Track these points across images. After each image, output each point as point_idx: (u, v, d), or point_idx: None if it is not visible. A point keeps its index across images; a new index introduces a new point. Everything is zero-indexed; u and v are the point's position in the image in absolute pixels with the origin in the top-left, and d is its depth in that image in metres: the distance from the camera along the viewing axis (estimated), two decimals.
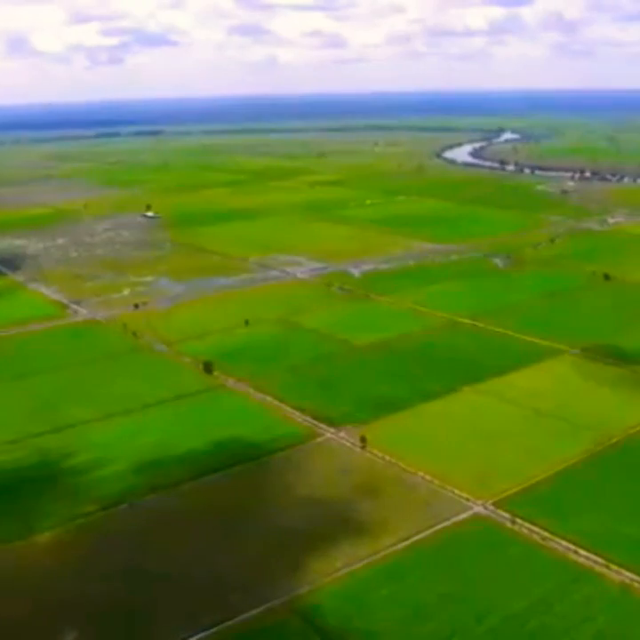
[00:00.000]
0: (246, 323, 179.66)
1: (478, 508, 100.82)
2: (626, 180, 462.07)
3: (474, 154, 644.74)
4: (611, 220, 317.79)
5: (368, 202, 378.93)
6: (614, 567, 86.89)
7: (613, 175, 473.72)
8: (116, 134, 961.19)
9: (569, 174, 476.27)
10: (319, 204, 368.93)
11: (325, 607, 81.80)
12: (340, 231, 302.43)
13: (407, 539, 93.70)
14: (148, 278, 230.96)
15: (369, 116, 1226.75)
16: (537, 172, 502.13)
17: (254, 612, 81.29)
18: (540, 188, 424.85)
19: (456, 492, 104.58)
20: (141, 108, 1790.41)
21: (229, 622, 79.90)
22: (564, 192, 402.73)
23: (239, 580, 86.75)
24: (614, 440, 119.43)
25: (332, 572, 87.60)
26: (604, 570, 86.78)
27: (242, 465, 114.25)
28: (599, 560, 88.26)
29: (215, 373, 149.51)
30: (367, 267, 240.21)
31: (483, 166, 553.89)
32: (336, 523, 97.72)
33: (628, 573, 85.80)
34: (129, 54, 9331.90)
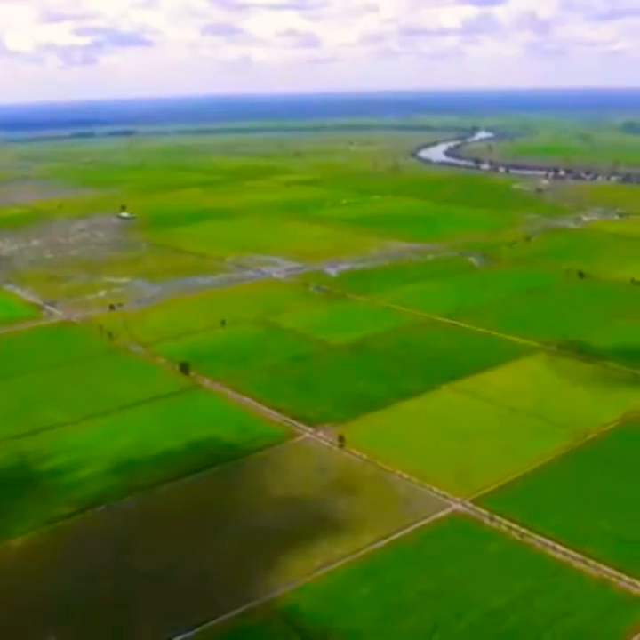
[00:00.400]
0: (223, 323, 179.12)
1: (457, 506, 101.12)
2: (599, 178, 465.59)
3: (449, 153, 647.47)
4: (585, 218, 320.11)
5: (344, 201, 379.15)
6: (592, 562, 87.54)
7: (587, 173, 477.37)
8: (91, 134, 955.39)
9: (543, 173, 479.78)
10: (295, 204, 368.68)
11: (305, 607, 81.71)
12: (315, 231, 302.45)
13: (386, 537, 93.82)
14: (124, 279, 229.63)
15: (344, 115, 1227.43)
16: (512, 170, 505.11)
17: (235, 612, 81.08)
18: (514, 186, 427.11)
19: (434, 489, 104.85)
20: (116, 107, 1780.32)
21: (211, 623, 79.64)
22: (539, 190, 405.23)
23: (219, 580, 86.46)
24: (590, 437, 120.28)
25: (311, 572, 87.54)
26: (582, 565, 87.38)
27: (219, 465, 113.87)
28: (577, 556, 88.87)
29: (192, 374, 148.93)
30: (344, 266, 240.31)
31: (458, 165, 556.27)
32: (314, 522, 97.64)
33: (605, 568, 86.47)
34: (102, 54, 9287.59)
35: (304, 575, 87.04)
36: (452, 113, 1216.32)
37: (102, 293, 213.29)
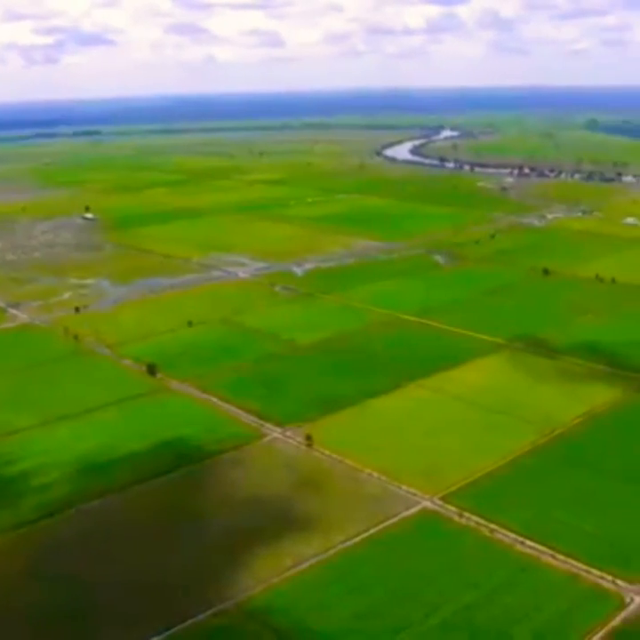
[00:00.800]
0: (190, 324, 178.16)
1: (426, 503, 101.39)
2: (563, 175, 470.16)
3: (414, 151, 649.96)
4: (549, 216, 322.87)
5: (309, 200, 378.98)
6: (561, 557, 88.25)
7: (551, 171, 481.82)
8: (54, 135, 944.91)
9: (508, 171, 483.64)
10: (260, 203, 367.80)
11: (278, 607, 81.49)
12: (281, 230, 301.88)
13: (356, 535, 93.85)
14: (89, 281, 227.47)
15: (309, 114, 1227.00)
16: (476, 168, 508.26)
17: (206, 614, 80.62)
18: (479, 184, 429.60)
19: (404, 487, 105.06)
20: (79, 108, 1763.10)
21: (182, 625, 79.06)
22: (504, 188, 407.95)
23: (189, 583, 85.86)
24: (557, 432, 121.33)
25: (282, 571, 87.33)
26: (551, 560, 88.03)
27: (187, 467, 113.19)
28: (546, 550, 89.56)
29: (159, 375, 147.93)
30: (310, 265, 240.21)
31: (423, 163, 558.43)
32: (284, 522, 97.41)
33: (574, 562, 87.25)
34: (65, 54, 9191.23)
35: (275, 575, 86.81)
36: (417, 112, 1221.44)
37: (67, 295, 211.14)
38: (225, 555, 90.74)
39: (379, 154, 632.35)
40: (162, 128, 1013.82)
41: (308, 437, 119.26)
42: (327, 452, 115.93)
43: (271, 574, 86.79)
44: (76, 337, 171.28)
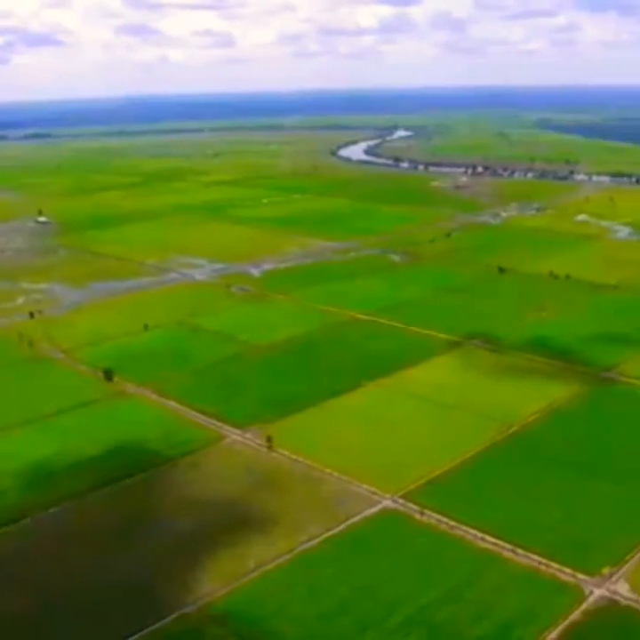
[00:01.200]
0: (146, 327, 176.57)
1: (387, 502, 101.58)
2: (517, 174, 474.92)
3: (369, 151, 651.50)
4: (503, 214, 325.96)
5: (264, 201, 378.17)
6: (521, 551, 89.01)
7: (505, 170, 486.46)
8: (4, 137, 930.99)
9: (462, 170, 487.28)
10: (215, 205, 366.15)
11: (241, 610, 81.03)
12: (237, 231, 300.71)
13: (319, 536, 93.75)
14: (43, 285, 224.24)
15: (263, 115, 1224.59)
16: (431, 168, 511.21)
17: (168, 619, 79.88)
18: (434, 183, 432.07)
19: (365, 486, 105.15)
20: (30, 110, 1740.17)
21: (144, 631, 78.26)
22: (458, 187, 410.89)
23: (151, 588, 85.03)
24: (515, 428, 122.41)
25: (245, 574, 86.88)
26: (511, 554, 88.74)
27: (146, 472, 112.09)
28: (506, 545, 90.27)
29: (116, 380, 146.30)
30: (266, 266, 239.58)
31: (378, 163, 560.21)
32: (246, 524, 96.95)
33: (534, 556, 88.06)
34: (14, 54, 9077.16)
35: (238, 577, 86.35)
36: (371, 112, 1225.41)
37: (21, 300, 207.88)
38: (186, 559, 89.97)
39: (333, 154, 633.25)
40: (115, 130, 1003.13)
41: (269, 439, 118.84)
42: (287, 453, 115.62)
43: (234, 577, 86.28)
44: (30, 343, 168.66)
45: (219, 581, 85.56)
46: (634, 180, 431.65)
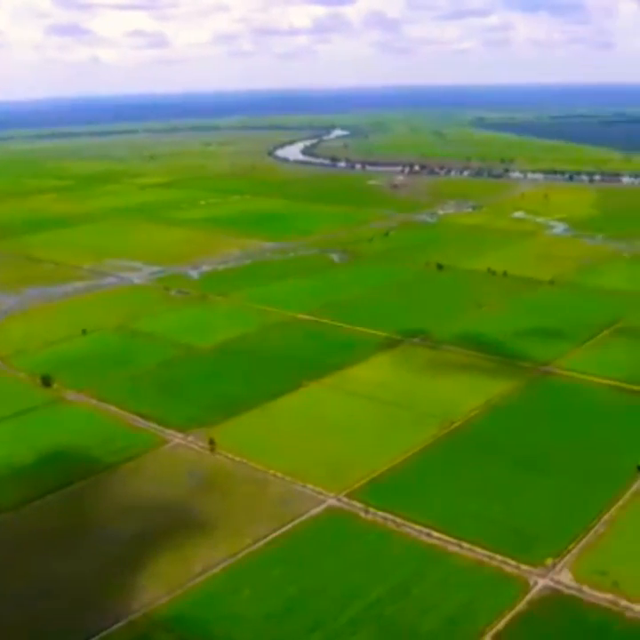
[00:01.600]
0: (84, 332, 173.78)
1: (332, 501, 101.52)
2: (453, 172, 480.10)
3: (306, 151, 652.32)
4: (441, 212, 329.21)
5: (202, 203, 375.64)
6: (467, 545, 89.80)
7: (441, 168, 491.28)
8: None
9: (399, 169, 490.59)
10: (152, 207, 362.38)
11: (188, 615, 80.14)
12: (175, 233, 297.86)
13: (264, 537, 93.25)
14: None
15: (199, 116, 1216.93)
16: (368, 167, 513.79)
17: (114, 627, 78.55)
18: (371, 182, 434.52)
19: (309, 486, 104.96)
20: None
21: None
22: (395, 186, 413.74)
23: (95, 596, 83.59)
24: (456, 424, 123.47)
25: (192, 578, 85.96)
26: (457, 549, 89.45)
27: (88, 479, 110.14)
28: (451, 540, 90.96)
29: (54, 386, 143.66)
30: (205, 268, 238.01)
31: (315, 163, 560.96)
32: (191, 528, 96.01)
33: (480, 550, 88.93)
34: None
35: (185, 582, 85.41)
36: (307, 112, 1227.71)
37: None
38: (131, 565, 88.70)
39: (271, 154, 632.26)
40: (47, 132, 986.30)
41: (211, 442, 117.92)
42: (231, 456, 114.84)
43: (180, 582, 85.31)
44: None
45: (164, 587, 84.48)
46: (567, 176, 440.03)
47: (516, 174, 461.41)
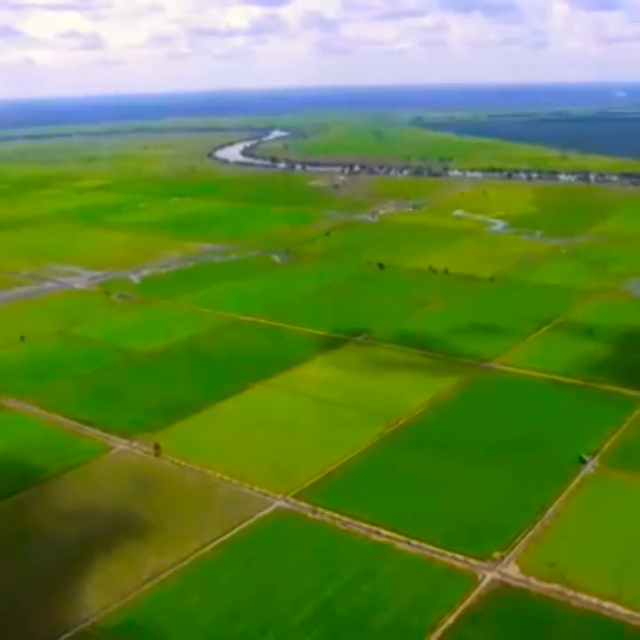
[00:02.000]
0: (22, 339, 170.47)
1: (280, 503, 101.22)
2: (393, 172, 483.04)
3: (245, 152, 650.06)
4: (381, 212, 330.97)
5: (141, 206, 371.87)
6: (415, 542, 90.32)
7: (381, 168, 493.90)
8: None
9: (339, 169, 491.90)
10: (90, 211, 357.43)
11: (138, 622, 79.10)
12: (115, 237, 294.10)
13: (213, 541, 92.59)
14: None
15: (137, 118, 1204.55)
16: (308, 167, 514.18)
17: (62, 638, 77.05)
18: (312, 183, 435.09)
19: (256, 488, 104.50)
20: None
21: None
22: (336, 186, 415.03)
23: (42, 607, 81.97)
24: (402, 422, 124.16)
25: (140, 585, 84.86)
26: (406, 546, 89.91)
27: (31, 489, 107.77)
28: (400, 537, 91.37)
29: None
30: (146, 272, 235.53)
31: (255, 165, 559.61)
32: (138, 534, 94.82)
33: (428, 546, 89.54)
34: None
35: (133, 589, 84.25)
36: (246, 113, 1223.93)
37: None
38: (78, 574, 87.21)
39: (210, 156, 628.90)
40: None
41: (157, 447, 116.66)
42: (177, 460, 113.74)
43: (128, 589, 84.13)
44: None
45: (113, 595, 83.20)
46: (506, 174, 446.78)
47: (456, 173, 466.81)
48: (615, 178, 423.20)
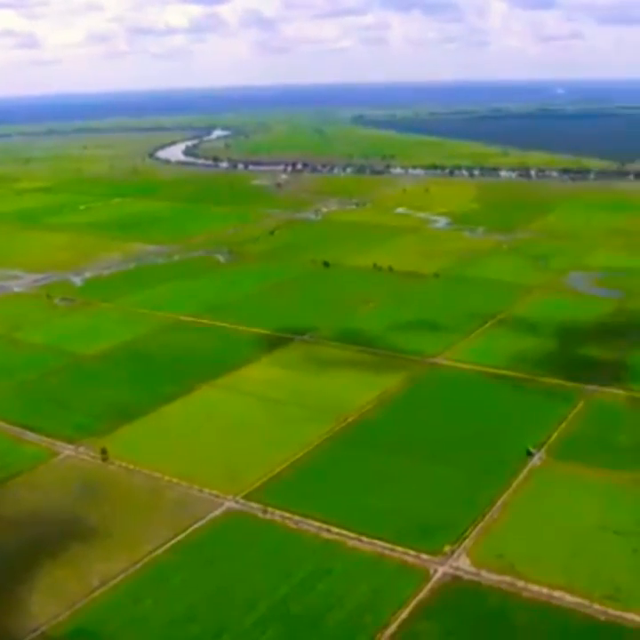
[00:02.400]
0: None
1: (230, 504, 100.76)
2: (335, 170, 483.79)
3: (187, 152, 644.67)
4: (325, 210, 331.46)
5: (82, 207, 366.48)
6: (366, 539, 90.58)
7: (324, 166, 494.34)
8: None
9: (282, 167, 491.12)
10: (30, 213, 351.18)
11: (89, 630, 77.88)
12: (56, 239, 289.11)
13: (163, 544, 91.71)
14: None
15: (76, 118, 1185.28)
16: (251, 167, 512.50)
17: None
18: (254, 182, 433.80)
19: (206, 490, 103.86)
20: None
21: None
22: (279, 185, 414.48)
23: None
24: (350, 419, 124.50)
25: (90, 592, 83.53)
26: (357, 543, 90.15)
27: None
28: (351, 534, 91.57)
29: None
30: (89, 274, 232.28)
31: (197, 164, 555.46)
32: (87, 541, 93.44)
33: (379, 542, 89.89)
34: None
35: (83, 596, 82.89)
36: (187, 112, 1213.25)
37: None
38: (25, 582, 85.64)
39: (151, 156, 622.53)
40: None
41: (103, 451, 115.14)
42: (124, 464, 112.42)
43: (78, 597, 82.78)
44: None
45: (62, 603, 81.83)
46: (447, 171, 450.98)
47: (398, 170, 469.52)
48: (555, 174, 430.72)
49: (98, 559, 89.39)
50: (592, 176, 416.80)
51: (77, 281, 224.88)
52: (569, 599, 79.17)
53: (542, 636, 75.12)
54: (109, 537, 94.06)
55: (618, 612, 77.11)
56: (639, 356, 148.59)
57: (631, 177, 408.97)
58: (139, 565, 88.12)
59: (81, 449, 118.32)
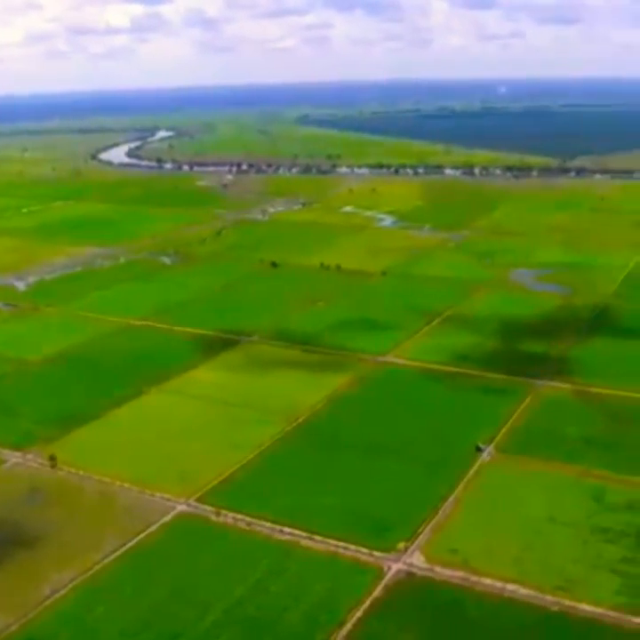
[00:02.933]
0: None
1: (182, 507, 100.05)
2: (281, 170, 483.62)
3: (130, 154, 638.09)
4: (271, 210, 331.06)
5: (24, 210, 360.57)
6: (319, 538, 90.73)
7: (269, 166, 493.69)
8: None
9: (227, 168, 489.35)
10: None
11: (41, 639, 76.67)
12: None
13: (115, 551, 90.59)
14: None
15: (15, 120, 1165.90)
16: (195, 168, 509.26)
17: None
18: (200, 183, 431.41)
19: (157, 494, 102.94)
20: None
21: None
22: (224, 186, 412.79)
23: None
24: (301, 419, 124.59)
25: (41, 601, 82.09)
26: (310, 542, 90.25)
27: None
28: (304, 534, 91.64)
29: None
30: (32, 278, 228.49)
31: (140, 166, 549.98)
32: (36, 549, 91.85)
33: (332, 541, 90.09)
34: None
35: (34, 607, 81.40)
36: (129, 113, 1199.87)
37: None
38: None
39: (94, 158, 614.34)
40: None
41: (52, 458, 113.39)
42: (74, 471, 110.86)
43: (28, 608, 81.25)
44: None
45: (12, 614, 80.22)
46: (393, 170, 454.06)
47: (344, 170, 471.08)
48: (498, 171, 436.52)
49: (48, 568, 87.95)
50: (535, 173, 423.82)
51: (21, 286, 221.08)
52: (522, 591, 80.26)
53: (496, 628, 75.99)
54: (60, 545, 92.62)
55: (570, 602, 78.40)
56: (584, 350, 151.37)
57: (572, 174, 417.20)
58: (90, 573, 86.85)
59: (29, 456, 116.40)
